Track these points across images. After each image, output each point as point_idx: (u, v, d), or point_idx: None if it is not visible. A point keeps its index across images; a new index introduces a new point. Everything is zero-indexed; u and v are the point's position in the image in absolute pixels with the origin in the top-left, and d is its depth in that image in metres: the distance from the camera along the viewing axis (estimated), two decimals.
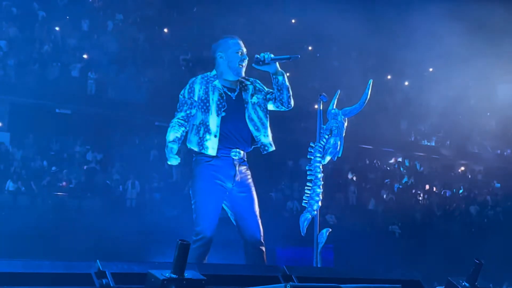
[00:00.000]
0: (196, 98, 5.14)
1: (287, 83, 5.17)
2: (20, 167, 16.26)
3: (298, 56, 5.13)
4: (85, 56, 19.45)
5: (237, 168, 5.14)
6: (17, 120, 18.53)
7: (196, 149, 5.10)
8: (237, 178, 5.12)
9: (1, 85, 18.00)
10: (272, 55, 5.13)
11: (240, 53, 5.25)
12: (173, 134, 5.09)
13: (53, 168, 16.74)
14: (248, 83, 5.29)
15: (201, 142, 5.09)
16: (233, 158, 5.12)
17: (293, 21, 24.36)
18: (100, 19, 20.82)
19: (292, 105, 5.20)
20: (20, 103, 18.56)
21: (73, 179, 16.58)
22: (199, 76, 5.26)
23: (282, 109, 5.25)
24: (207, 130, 5.08)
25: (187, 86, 5.21)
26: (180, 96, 5.22)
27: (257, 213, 5.18)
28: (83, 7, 20.72)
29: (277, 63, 5.14)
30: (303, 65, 23.02)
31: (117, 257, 4.31)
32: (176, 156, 5.00)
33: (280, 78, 5.15)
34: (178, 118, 5.14)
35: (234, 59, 5.21)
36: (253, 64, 5.19)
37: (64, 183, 16.47)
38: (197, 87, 5.17)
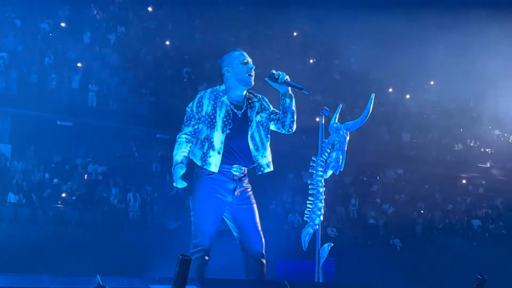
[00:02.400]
0: (203, 113, 5.14)
1: (294, 108, 5.18)
2: (21, 179, 16.25)
3: (309, 91, 5.17)
4: (86, 68, 19.47)
5: (237, 183, 5.14)
6: (19, 132, 18.54)
7: (199, 163, 5.11)
8: (237, 192, 5.14)
9: (3, 97, 18.03)
10: (287, 77, 5.18)
11: (245, 62, 5.26)
12: (181, 153, 5.07)
13: (55, 180, 16.72)
14: (256, 100, 5.31)
15: (204, 158, 5.09)
16: (233, 174, 5.10)
17: (295, 34, 24.41)
18: (102, 31, 20.87)
19: (293, 130, 5.25)
20: (22, 115, 18.57)
21: (74, 192, 16.55)
22: (208, 91, 5.26)
23: (282, 132, 5.28)
24: (211, 146, 5.09)
25: (196, 100, 5.19)
26: (187, 109, 5.21)
27: (259, 225, 5.18)
28: (86, 19, 20.77)
29: (289, 87, 5.18)
30: (304, 78, 23.05)
31: (117, 271, 4.28)
32: (183, 182, 5.01)
33: (288, 100, 5.18)
34: (186, 133, 5.13)
35: (241, 70, 5.23)
36: (266, 78, 5.20)
37: (64, 195, 16.45)
38: (205, 102, 5.17)
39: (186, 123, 5.17)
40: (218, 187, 5.07)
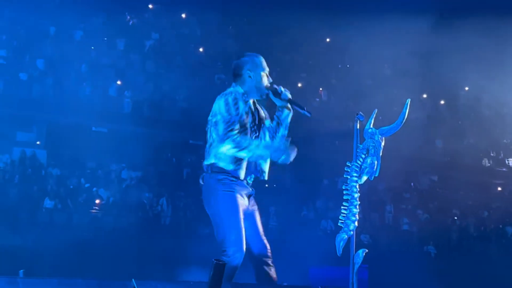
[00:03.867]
0: (239, 116, 5.07)
1: (288, 123, 5.13)
2: (57, 184, 16.44)
3: (309, 114, 5.06)
4: (120, 75, 19.65)
5: (252, 189, 5.19)
6: (54, 138, 18.77)
7: (229, 167, 5.00)
8: (251, 199, 5.19)
9: (39, 103, 18.27)
10: (289, 96, 5.14)
11: (267, 73, 5.24)
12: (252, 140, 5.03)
13: (87, 185, 16.89)
14: (259, 107, 5.29)
15: (237, 162, 5.02)
16: (248, 181, 5.14)
17: (327, 39, 24.36)
18: (137, 38, 21.05)
19: (285, 147, 5.14)
20: (57, 122, 18.79)
21: (108, 197, 16.70)
22: (235, 92, 5.13)
23: None
24: None
25: (232, 102, 5.03)
26: (226, 114, 5.00)
27: (262, 230, 5.23)
28: (120, 26, 20.97)
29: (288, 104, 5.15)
30: (337, 84, 22.98)
31: (151, 276, 4.31)
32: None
33: (286, 112, 5.15)
34: (237, 133, 4.98)
35: (263, 80, 5.15)
36: (268, 91, 5.15)
37: (99, 201, 16.60)
38: (241, 105, 5.09)
39: (229, 128, 4.97)
40: (242, 193, 5.07)
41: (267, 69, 5.25)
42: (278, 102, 5.20)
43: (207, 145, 5.11)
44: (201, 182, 5.21)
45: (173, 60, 20.93)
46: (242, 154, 5.01)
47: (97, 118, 18.69)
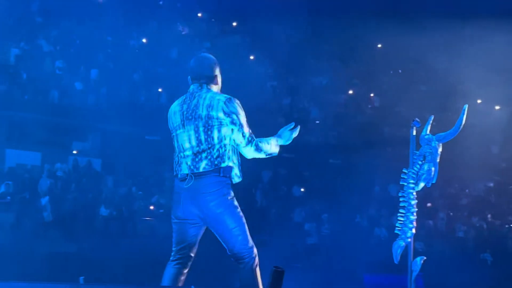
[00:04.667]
0: None
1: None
2: (112, 192, 16.66)
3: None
4: (173, 83, 19.84)
5: None
6: (109, 147, 19.04)
7: (238, 172, 5.04)
8: None
9: (94, 112, 18.56)
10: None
11: None
12: (268, 139, 5.11)
13: (140, 192, 17.07)
14: None
15: (240, 167, 5.09)
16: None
17: (379, 45, 24.21)
18: (188, 47, 21.24)
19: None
20: (111, 130, 19.05)
21: (162, 204, 16.85)
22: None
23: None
24: (239, 156, 5.13)
25: (240, 105, 5.11)
26: (243, 117, 5.07)
27: None
28: (172, 35, 21.19)
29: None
30: (389, 90, 22.81)
31: (207, 283, 4.37)
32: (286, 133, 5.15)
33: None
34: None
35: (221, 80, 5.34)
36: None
37: (152, 208, 16.76)
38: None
39: (250, 131, 5.08)
40: None
41: None
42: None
43: (207, 144, 4.94)
44: (210, 184, 4.97)
45: (224, 68, 21.06)
46: (260, 155, 5.11)
47: (150, 127, 18.90)
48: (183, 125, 5.05)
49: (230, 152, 4.93)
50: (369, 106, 23.38)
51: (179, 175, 4.97)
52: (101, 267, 12.12)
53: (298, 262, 14.30)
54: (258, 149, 5.03)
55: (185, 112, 5.08)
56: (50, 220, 14.71)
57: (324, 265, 14.58)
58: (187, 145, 4.98)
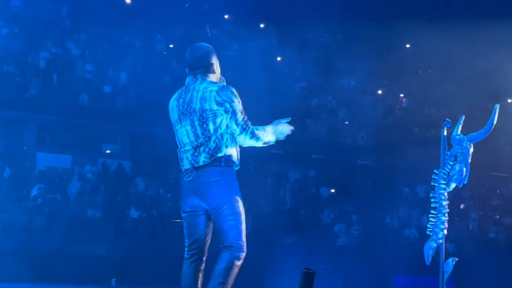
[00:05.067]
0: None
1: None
2: (142, 194, 16.75)
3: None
4: None
5: None
6: (138, 150, 19.14)
7: (236, 161, 4.92)
8: None
9: (123, 115, 18.69)
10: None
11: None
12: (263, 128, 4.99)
13: (169, 195, 17.14)
14: None
15: (238, 157, 4.96)
16: None
17: (407, 46, 24.07)
18: (217, 49, 21.25)
19: None
20: (140, 133, 19.15)
21: None
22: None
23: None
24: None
25: (236, 94, 4.94)
26: (238, 104, 4.90)
27: None
28: (200, 38, 21.24)
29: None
30: (418, 90, 22.67)
31: (236, 284, 4.35)
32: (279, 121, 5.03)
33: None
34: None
35: (219, 71, 5.14)
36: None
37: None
38: None
39: (246, 118, 4.90)
40: None
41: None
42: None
43: (204, 137, 4.83)
44: (210, 174, 4.82)
45: (252, 70, 21.08)
46: (257, 143, 4.99)
47: None
48: (180, 121, 4.98)
49: (228, 140, 4.82)
50: (398, 106, 23.25)
51: (182, 170, 4.94)
52: (132, 269, 12.20)
53: (328, 264, 14.26)
54: (254, 136, 4.90)
55: (180, 107, 4.99)
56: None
57: (354, 266, 14.53)
58: (186, 140, 4.91)
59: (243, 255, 4.76)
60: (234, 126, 4.86)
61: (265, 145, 5.08)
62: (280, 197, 17.81)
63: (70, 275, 11.56)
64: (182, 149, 4.95)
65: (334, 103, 22.50)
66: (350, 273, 13.80)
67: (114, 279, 4.50)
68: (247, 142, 4.96)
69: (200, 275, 4.94)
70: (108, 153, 19.62)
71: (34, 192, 15.67)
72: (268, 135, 5.02)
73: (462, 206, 19.35)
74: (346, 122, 22.31)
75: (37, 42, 18.80)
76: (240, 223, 4.83)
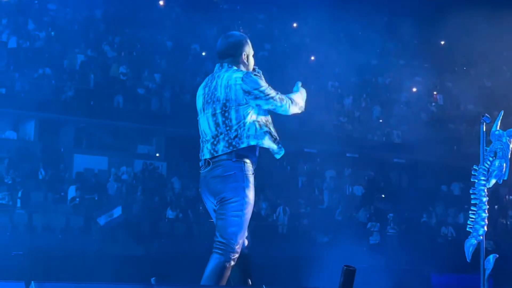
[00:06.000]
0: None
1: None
2: (177, 195, 16.84)
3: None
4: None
5: None
6: (173, 150, 19.25)
7: (275, 147, 4.74)
8: None
9: (158, 116, 18.81)
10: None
11: (253, 56, 4.98)
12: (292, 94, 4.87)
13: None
14: None
15: (276, 140, 4.76)
16: None
17: (442, 42, 23.88)
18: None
19: None
20: (175, 134, 19.26)
21: None
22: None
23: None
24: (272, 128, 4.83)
25: (259, 75, 4.77)
26: (262, 83, 4.69)
27: None
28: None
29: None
30: (454, 87, 22.45)
31: (269, 283, 4.32)
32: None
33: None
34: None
35: (252, 64, 4.92)
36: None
37: None
38: None
39: (271, 90, 4.68)
40: None
41: (253, 52, 4.96)
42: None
43: (224, 126, 4.65)
44: (224, 168, 4.64)
45: (285, 69, 21.07)
46: (298, 108, 4.85)
47: None
48: (203, 109, 4.82)
49: (251, 130, 4.62)
50: (433, 103, 23.06)
51: (201, 160, 4.81)
52: (169, 268, 12.27)
53: (364, 262, 14.19)
54: (293, 102, 4.76)
55: (205, 96, 4.82)
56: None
57: (390, 265, 14.45)
58: (207, 130, 4.74)
59: (235, 256, 4.54)
60: (273, 104, 4.70)
61: (301, 111, 4.91)
62: (315, 196, 17.79)
63: (108, 275, 11.66)
64: (204, 139, 4.79)
65: (369, 101, 22.40)
66: (386, 272, 13.71)
67: (153, 278, 4.50)
68: (291, 109, 4.80)
69: (236, 268, 4.78)
70: (144, 154, 19.76)
71: (72, 193, 15.85)
72: (299, 99, 4.89)
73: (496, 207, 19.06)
74: (381, 120, 22.19)
75: (72, 45, 19.01)
76: (242, 221, 4.57)
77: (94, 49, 19.39)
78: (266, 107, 4.70)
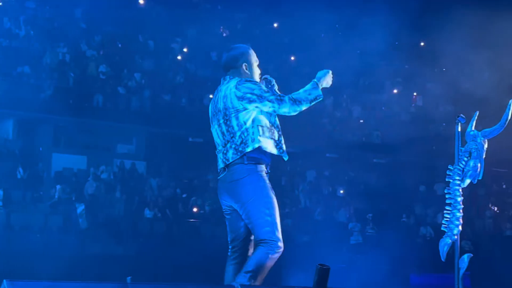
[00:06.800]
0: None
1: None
2: (156, 195, 16.79)
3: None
4: (215, 85, 19.90)
5: None
6: (153, 149, 19.21)
7: (276, 152, 4.85)
8: None
9: (138, 115, 18.75)
10: (277, 86, 5.03)
11: (258, 65, 5.12)
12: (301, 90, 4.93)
13: (184, 195, 17.17)
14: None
15: (279, 145, 4.89)
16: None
17: (422, 44, 24.01)
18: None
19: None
20: (155, 133, 19.22)
21: (206, 206, 16.92)
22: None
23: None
24: (280, 132, 4.95)
25: (252, 80, 4.87)
26: (260, 87, 4.81)
27: None
28: (213, 38, 21.24)
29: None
30: (436, 88, 22.56)
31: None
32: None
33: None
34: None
35: (256, 72, 5.07)
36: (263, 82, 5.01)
37: (196, 210, 16.84)
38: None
39: (270, 91, 4.81)
40: None
41: (258, 61, 5.13)
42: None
43: (229, 134, 4.82)
44: (238, 172, 4.80)
45: (266, 70, 21.06)
46: (304, 106, 4.88)
47: (193, 129, 19.01)
48: (211, 122, 5.05)
49: (255, 133, 4.74)
50: (413, 104, 23.18)
51: (219, 170, 4.98)
52: (147, 268, 12.23)
53: (343, 262, 14.24)
54: (295, 101, 4.80)
55: (212, 109, 5.05)
56: (85, 227, 14.81)
57: (369, 265, 14.50)
58: (217, 140, 4.96)
59: (280, 250, 4.75)
60: (270, 105, 4.79)
61: (314, 103, 4.97)
62: (295, 196, 17.80)
63: (86, 274, 11.62)
64: (217, 149, 4.99)
65: (349, 101, 22.46)
66: (365, 271, 13.76)
67: (129, 277, 4.51)
68: (293, 109, 4.84)
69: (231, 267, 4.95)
70: (124, 153, 19.69)
71: (52, 192, 15.77)
72: (311, 92, 4.94)
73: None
74: (361, 121, 22.26)
75: (52, 44, 18.90)
76: (272, 219, 4.77)
77: (74, 47, 19.28)
78: (265, 109, 4.83)
